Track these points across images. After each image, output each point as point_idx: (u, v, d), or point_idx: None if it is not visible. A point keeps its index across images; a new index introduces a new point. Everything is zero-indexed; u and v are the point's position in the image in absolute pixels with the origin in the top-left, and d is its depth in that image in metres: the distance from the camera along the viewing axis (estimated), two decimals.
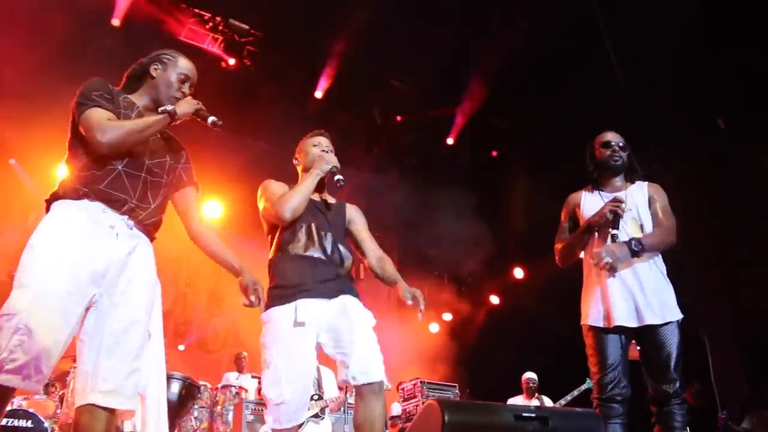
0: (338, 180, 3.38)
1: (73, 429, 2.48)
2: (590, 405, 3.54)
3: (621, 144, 3.89)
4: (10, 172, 9.18)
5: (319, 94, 9.65)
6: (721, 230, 8.60)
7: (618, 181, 3.90)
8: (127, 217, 2.66)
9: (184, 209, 3.06)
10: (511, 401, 7.54)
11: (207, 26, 8.94)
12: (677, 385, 3.45)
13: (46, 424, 5.74)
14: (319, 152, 3.53)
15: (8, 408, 5.75)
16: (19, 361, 2.30)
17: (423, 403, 7.93)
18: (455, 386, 8.61)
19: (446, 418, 2.48)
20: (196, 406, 7.35)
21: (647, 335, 3.56)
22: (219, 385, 7.83)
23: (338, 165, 3.44)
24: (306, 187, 3.37)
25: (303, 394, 3.12)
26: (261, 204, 3.51)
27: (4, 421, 5.46)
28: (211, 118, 2.83)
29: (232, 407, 7.46)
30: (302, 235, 3.32)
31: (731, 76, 7.90)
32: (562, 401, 6.68)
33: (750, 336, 8.09)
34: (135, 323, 2.58)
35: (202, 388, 7.59)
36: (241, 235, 10.56)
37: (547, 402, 7.65)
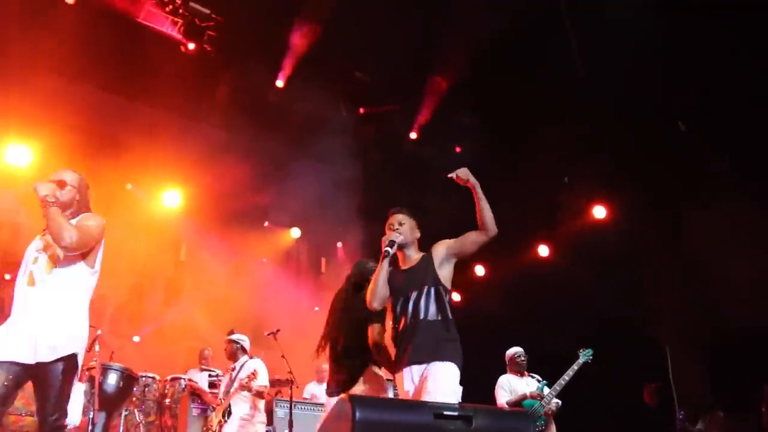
0: (386, 251, 3.70)
1: None
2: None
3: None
4: (128, 195, 9.78)
5: (280, 83, 9.43)
6: (680, 229, 8.55)
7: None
8: None
9: None
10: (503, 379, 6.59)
11: (166, 9, 8.65)
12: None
13: None
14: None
15: None
16: None
17: None
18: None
19: (357, 414, 2.33)
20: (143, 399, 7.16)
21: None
22: (168, 378, 7.59)
23: (394, 239, 3.77)
24: (377, 274, 3.74)
25: None
26: None
27: None
28: None
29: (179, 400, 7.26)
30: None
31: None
32: (562, 381, 6.14)
33: (710, 336, 8.03)
34: None
35: (150, 380, 7.34)
36: (199, 224, 10.33)
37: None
